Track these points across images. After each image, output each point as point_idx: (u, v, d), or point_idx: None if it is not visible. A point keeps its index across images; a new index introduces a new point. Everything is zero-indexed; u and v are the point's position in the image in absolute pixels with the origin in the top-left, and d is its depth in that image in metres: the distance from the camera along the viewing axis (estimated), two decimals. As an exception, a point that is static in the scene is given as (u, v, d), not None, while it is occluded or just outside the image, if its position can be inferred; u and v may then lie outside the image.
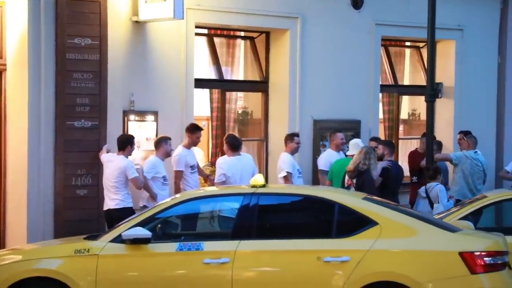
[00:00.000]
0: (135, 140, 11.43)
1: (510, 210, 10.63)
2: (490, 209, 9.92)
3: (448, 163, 13.23)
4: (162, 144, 11.28)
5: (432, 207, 11.20)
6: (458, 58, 15.61)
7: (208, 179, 11.94)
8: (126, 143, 11.01)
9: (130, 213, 10.29)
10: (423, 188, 11.82)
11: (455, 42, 15.60)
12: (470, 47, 15.66)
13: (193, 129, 11.68)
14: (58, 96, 11.20)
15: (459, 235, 7.75)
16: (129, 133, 11.66)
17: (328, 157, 12.49)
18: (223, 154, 12.14)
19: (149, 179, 11.01)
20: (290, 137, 12.27)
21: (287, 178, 11.79)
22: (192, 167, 11.55)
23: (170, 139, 11.39)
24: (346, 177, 11.28)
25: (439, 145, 13.37)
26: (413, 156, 13.54)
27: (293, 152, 12.19)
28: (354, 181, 10.98)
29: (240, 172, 11.22)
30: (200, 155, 12.86)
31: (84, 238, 8.23)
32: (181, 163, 11.41)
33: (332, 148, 12.72)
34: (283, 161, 11.98)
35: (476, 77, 15.68)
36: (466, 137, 13.14)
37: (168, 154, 11.35)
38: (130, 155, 11.15)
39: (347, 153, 12.08)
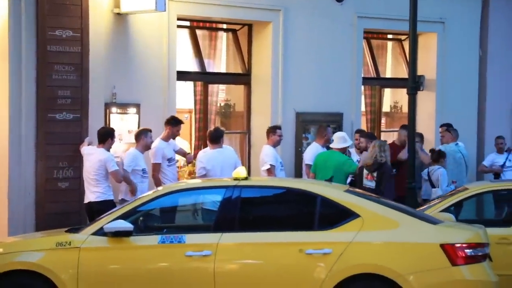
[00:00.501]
0: (117, 133, 11.39)
1: (491, 202, 10.72)
2: (471, 201, 9.97)
3: None
4: (142, 136, 11.24)
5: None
6: (440, 51, 15.66)
7: (186, 157, 11.88)
8: (106, 136, 10.96)
9: (111, 206, 10.27)
10: (425, 170, 12.19)
11: (436, 35, 15.65)
12: (451, 40, 15.72)
13: (174, 122, 11.64)
14: (39, 89, 11.14)
15: (441, 227, 7.79)
16: (111, 125, 11.62)
17: (314, 151, 12.48)
18: (206, 146, 12.12)
19: (129, 172, 10.98)
20: (273, 130, 12.26)
21: (270, 171, 11.80)
22: (169, 159, 11.52)
23: (150, 131, 11.35)
24: (365, 172, 11.33)
25: (421, 137, 13.42)
26: (391, 149, 13.46)
27: (275, 144, 12.19)
28: (375, 174, 11.13)
29: (220, 165, 11.18)
30: (185, 145, 12.87)
31: (66, 231, 8.20)
32: (158, 155, 11.39)
33: (319, 142, 12.66)
34: (266, 154, 11.98)
35: (457, 70, 15.74)
36: (450, 130, 13.18)
37: (148, 147, 11.32)
38: (111, 148, 11.11)
39: (332, 146, 12.06)
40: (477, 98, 16.23)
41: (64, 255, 7.71)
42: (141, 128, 11.53)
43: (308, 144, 13.80)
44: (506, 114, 16.55)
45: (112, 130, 11.22)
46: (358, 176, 11.49)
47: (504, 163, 13.95)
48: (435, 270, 7.38)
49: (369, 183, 11.22)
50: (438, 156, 12.31)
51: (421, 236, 7.56)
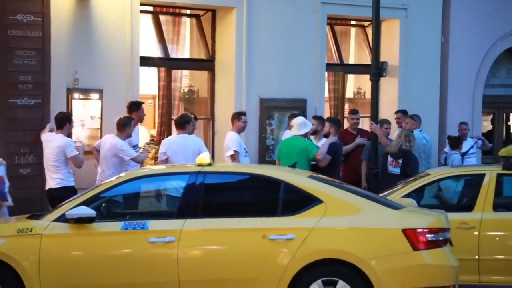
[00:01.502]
0: (80, 119, 11.30)
1: (451, 187, 10.81)
2: (432, 186, 10.07)
3: None
4: (127, 127, 11.07)
5: None
6: (403, 37, 15.75)
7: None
8: (63, 121, 10.85)
9: (71, 192, 10.20)
10: (443, 155, 12.97)
11: (399, 21, 15.73)
12: (414, 26, 15.82)
13: (136, 106, 11.54)
14: (1, 74, 11.02)
15: (402, 212, 7.85)
16: (74, 111, 11.52)
17: (231, 138, 12.32)
18: (169, 132, 12.09)
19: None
20: (237, 116, 12.23)
21: (234, 157, 11.78)
22: (134, 147, 11.47)
23: (133, 119, 11.24)
24: (389, 159, 11.76)
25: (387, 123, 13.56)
26: (344, 135, 13.50)
27: (239, 131, 12.16)
28: (400, 161, 11.61)
29: (182, 151, 11.08)
30: (144, 132, 12.80)
31: (27, 218, 8.13)
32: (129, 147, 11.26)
33: (290, 129, 12.55)
34: (230, 140, 11.96)
35: (420, 56, 15.85)
36: (413, 117, 13.17)
37: (130, 135, 11.21)
38: (70, 132, 11.01)
39: (293, 133, 12.04)
40: (439, 85, 16.36)
41: (26, 241, 7.65)
42: (124, 116, 11.35)
43: (272, 130, 13.83)
44: (468, 100, 16.72)
45: (69, 115, 11.12)
46: (383, 162, 11.93)
47: (468, 150, 14.06)
48: (397, 255, 7.45)
49: (394, 169, 11.70)
50: (456, 142, 13.29)
51: (383, 222, 7.62)
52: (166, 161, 11.05)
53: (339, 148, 11.95)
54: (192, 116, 11.84)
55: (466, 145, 14.14)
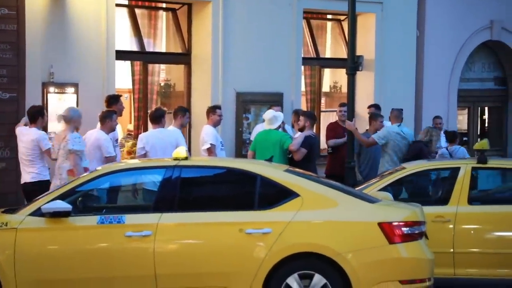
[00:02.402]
0: (55, 113, 11.23)
1: (427, 181, 10.87)
2: (408, 180, 10.12)
3: None
4: (107, 119, 10.96)
5: None
6: (378, 31, 15.82)
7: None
8: (36, 115, 10.76)
9: (46, 186, 10.14)
10: (445, 151, 13.09)
11: (375, 15, 15.79)
12: (389, 20, 15.88)
13: (114, 100, 11.49)
14: (-26, 67, 10.94)
15: (378, 206, 7.89)
16: (49, 105, 11.46)
17: (207, 131, 12.28)
18: (145, 126, 12.04)
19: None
20: (212, 110, 12.21)
21: (211, 150, 11.76)
22: (116, 141, 11.45)
23: (115, 113, 11.14)
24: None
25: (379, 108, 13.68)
26: (334, 128, 13.55)
27: (215, 124, 12.14)
28: None
29: (161, 144, 11.05)
30: (118, 128, 12.72)
31: (2, 212, 8.08)
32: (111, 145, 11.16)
33: (175, 125, 12.31)
34: (206, 133, 11.93)
35: (395, 50, 15.93)
36: (393, 111, 13.11)
37: (113, 129, 11.11)
38: (43, 126, 10.94)
39: (266, 127, 12.01)
40: (414, 78, 16.45)
41: (0, 236, 7.60)
42: (106, 109, 11.26)
43: (249, 124, 13.84)
44: (443, 94, 16.82)
45: (42, 108, 11.05)
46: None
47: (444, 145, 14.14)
48: (373, 248, 7.48)
49: None
50: (453, 136, 13.48)
51: (360, 215, 7.65)
52: (144, 156, 11.01)
53: (315, 142, 11.98)
54: (184, 109, 11.82)
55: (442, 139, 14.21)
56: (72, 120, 10.20)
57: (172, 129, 11.55)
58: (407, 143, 12.23)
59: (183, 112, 11.74)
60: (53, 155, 10.39)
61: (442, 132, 14.40)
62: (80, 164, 10.00)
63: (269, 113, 11.90)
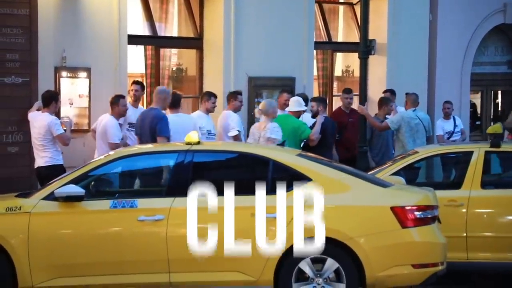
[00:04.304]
0: (68, 98, 11.26)
1: (440, 165, 10.85)
2: (421, 164, 10.10)
3: None
4: (114, 105, 11.02)
5: None
6: (391, 15, 15.73)
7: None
8: (50, 100, 10.80)
9: (60, 170, 10.18)
10: None
11: (388, -1, 15.72)
12: (402, 4, 15.79)
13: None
14: (-13, 52, 10.96)
15: (391, 190, 7.88)
16: (61, 90, 11.48)
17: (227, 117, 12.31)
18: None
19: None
20: (234, 95, 12.17)
21: (238, 137, 11.70)
22: (131, 125, 11.49)
23: (123, 97, 11.20)
24: (506, 133, 12.10)
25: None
26: (339, 115, 13.49)
27: (236, 110, 12.10)
28: None
29: (181, 129, 11.00)
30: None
31: (16, 196, 8.11)
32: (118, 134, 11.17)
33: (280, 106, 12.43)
34: (231, 120, 11.84)
35: (408, 34, 15.84)
36: (408, 95, 13.02)
37: (122, 114, 11.15)
38: (56, 111, 10.98)
39: (287, 110, 11.99)
40: (427, 63, 16.37)
41: (14, 220, 7.64)
42: (114, 94, 11.29)
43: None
44: (456, 78, 16.74)
45: (56, 93, 11.09)
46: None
47: (454, 129, 14.07)
48: (386, 232, 7.48)
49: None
50: None
51: (372, 199, 7.65)
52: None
53: (329, 125, 11.95)
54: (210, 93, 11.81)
55: (450, 125, 14.13)
56: (268, 112, 10.76)
57: (198, 113, 11.56)
58: (423, 128, 12.16)
59: (208, 96, 11.72)
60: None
61: (451, 116, 14.31)
62: None
63: (296, 97, 11.91)
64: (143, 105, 13.46)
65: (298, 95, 12.66)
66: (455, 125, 14.14)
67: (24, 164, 11.18)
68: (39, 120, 10.75)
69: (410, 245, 7.51)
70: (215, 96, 11.94)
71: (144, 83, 13.40)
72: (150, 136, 10.23)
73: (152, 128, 10.27)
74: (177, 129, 10.95)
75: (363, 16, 12.29)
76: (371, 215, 7.56)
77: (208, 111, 11.73)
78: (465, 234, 9.12)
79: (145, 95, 13.51)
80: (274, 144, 10.36)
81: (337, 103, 15.57)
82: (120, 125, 11.37)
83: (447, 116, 14.26)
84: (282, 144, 10.81)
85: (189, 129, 10.77)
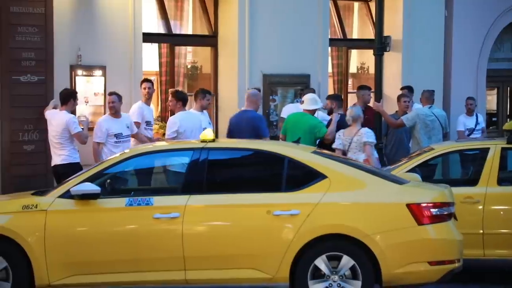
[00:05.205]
0: (83, 96, 11.30)
1: (456, 161, 10.80)
2: (437, 161, 10.05)
3: None
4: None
5: None
6: (406, 11, 15.67)
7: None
8: (68, 98, 10.86)
9: (76, 168, 10.22)
10: None
11: (403, -5, 15.66)
12: (417, 0, 15.73)
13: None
14: (3, 50, 11.01)
15: (407, 187, 7.85)
16: (77, 88, 11.53)
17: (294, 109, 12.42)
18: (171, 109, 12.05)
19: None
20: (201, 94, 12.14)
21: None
22: (148, 123, 11.56)
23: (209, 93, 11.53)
24: None
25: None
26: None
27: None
28: None
29: (192, 126, 11.09)
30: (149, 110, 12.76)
31: (32, 194, 8.14)
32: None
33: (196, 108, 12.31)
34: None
35: (423, 30, 15.78)
36: (424, 93, 12.95)
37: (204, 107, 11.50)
38: (73, 109, 11.02)
39: (302, 108, 11.97)
40: (443, 59, 16.31)
41: (31, 217, 7.67)
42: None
43: (276, 106, 13.81)
44: (472, 74, 16.66)
45: (75, 92, 11.14)
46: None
47: (476, 126, 13.99)
48: (401, 229, 7.46)
49: None
50: None
51: (388, 196, 7.62)
52: (174, 139, 10.97)
53: (344, 122, 11.91)
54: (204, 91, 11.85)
55: (472, 121, 14.06)
56: (358, 118, 11.08)
57: (197, 112, 11.61)
58: (439, 124, 12.10)
59: (203, 94, 11.69)
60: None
61: (474, 113, 14.23)
62: (374, 154, 10.77)
63: (310, 94, 11.88)
64: (157, 102, 13.52)
65: (301, 90, 12.72)
66: (477, 122, 14.06)
67: (40, 162, 11.23)
68: (57, 118, 10.80)
69: (426, 242, 7.48)
70: (210, 93, 11.95)
71: (159, 81, 13.44)
72: (252, 137, 10.57)
73: (254, 129, 10.76)
74: (191, 127, 11.02)
75: (378, 13, 12.26)
76: (387, 212, 7.54)
77: (203, 108, 11.68)
78: (481, 231, 9.08)
79: (158, 93, 13.55)
80: (371, 148, 10.81)
81: (351, 100, 15.53)
82: (138, 123, 11.44)
83: (470, 112, 14.19)
84: (297, 141, 10.79)
85: (197, 126, 10.87)
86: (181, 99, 11.37)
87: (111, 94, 11.16)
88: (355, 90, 13.99)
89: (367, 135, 10.91)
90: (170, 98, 11.53)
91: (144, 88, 11.78)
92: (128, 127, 11.11)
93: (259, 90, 12.24)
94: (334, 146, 11.16)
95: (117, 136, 10.94)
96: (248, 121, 10.90)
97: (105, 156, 10.72)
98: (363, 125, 11.19)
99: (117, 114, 11.04)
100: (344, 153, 11.14)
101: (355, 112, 11.22)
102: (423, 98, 12.60)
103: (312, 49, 14.38)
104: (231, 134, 11.14)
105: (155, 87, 12.60)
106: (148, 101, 11.88)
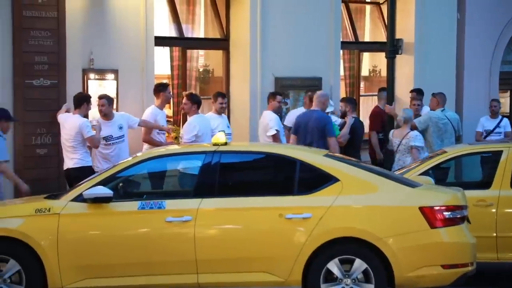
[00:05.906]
0: (96, 99, 11.33)
1: (469, 164, 10.76)
2: (450, 164, 10.02)
3: None
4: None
5: None
6: (418, 14, 15.64)
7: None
8: (81, 101, 10.89)
9: (89, 172, 10.24)
10: None
11: (415, -2, 15.64)
12: (430, 3, 15.70)
13: (162, 87, 11.62)
14: (16, 54, 11.04)
15: (419, 190, 7.83)
16: (89, 92, 11.56)
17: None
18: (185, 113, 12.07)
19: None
20: (273, 96, 12.31)
21: (276, 136, 11.78)
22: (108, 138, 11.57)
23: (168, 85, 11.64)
24: None
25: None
26: (379, 114, 13.44)
27: (275, 110, 12.19)
28: None
29: (207, 130, 11.17)
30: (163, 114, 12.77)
31: (45, 197, 8.17)
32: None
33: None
34: (270, 119, 11.95)
35: (435, 33, 15.75)
36: (435, 95, 12.92)
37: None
38: (87, 113, 11.05)
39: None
40: (455, 62, 16.27)
41: (44, 221, 7.69)
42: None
43: (287, 109, 13.81)
44: (484, 77, 16.61)
45: (88, 96, 11.17)
46: None
47: (494, 128, 13.92)
48: (414, 232, 7.44)
49: None
50: None
51: (400, 200, 7.61)
52: (194, 142, 10.96)
53: (357, 126, 11.90)
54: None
55: (492, 123, 13.97)
56: (410, 120, 11.35)
57: (210, 115, 11.69)
58: (451, 127, 12.05)
59: (215, 97, 11.78)
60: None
61: (498, 115, 14.12)
62: (419, 157, 10.78)
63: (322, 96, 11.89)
64: (170, 107, 13.53)
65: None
66: (497, 125, 13.96)
67: (53, 165, 11.26)
68: (70, 122, 10.83)
69: (439, 246, 7.46)
70: (223, 96, 11.97)
71: (171, 85, 13.46)
72: (318, 136, 10.87)
73: (321, 129, 10.94)
74: (207, 130, 11.07)
75: (390, 15, 12.25)
76: (400, 215, 7.52)
77: (217, 112, 11.75)
78: (495, 234, 9.04)
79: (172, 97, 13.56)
80: (418, 152, 10.93)
81: (364, 103, 15.53)
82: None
83: (493, 114, 14.10)
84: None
85: (209, 129, 10.91)
86: (196, 102, 11.41)
87: (101, 97, 11.21)
88: (372, 93, 13.98)
89: (416, 139, 10.87)
90: (184, 101, 11.54)
91: (98, 105, 11.59)
92: (121, 127, 11.14)
93: (280, 94, 12.33)
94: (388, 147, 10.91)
95: (106, 139, 11.03)
96: (315, 121, 11.01)
97: (96, 159, 10.97)
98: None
99: (107, 116, 11.09)
100: (392, 153, 11.24)
101: (407, 113, 11.19)
102: (432, 101, 12.59)
103: (324, 52, 14.37)
104: (297, 133, 11.30)
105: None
106: (161, 105, 11.84)
